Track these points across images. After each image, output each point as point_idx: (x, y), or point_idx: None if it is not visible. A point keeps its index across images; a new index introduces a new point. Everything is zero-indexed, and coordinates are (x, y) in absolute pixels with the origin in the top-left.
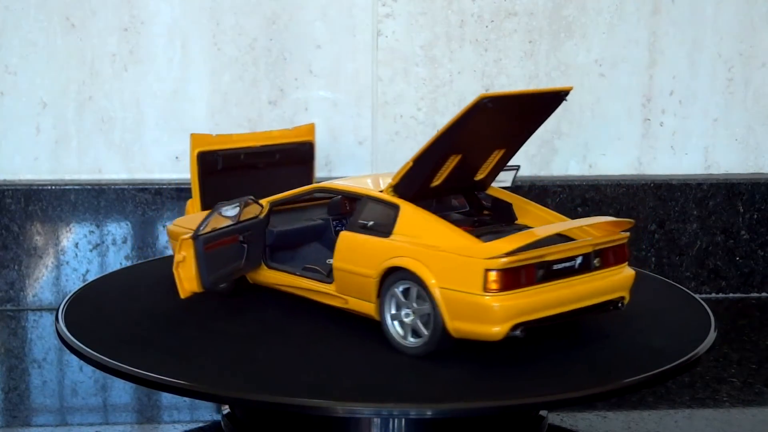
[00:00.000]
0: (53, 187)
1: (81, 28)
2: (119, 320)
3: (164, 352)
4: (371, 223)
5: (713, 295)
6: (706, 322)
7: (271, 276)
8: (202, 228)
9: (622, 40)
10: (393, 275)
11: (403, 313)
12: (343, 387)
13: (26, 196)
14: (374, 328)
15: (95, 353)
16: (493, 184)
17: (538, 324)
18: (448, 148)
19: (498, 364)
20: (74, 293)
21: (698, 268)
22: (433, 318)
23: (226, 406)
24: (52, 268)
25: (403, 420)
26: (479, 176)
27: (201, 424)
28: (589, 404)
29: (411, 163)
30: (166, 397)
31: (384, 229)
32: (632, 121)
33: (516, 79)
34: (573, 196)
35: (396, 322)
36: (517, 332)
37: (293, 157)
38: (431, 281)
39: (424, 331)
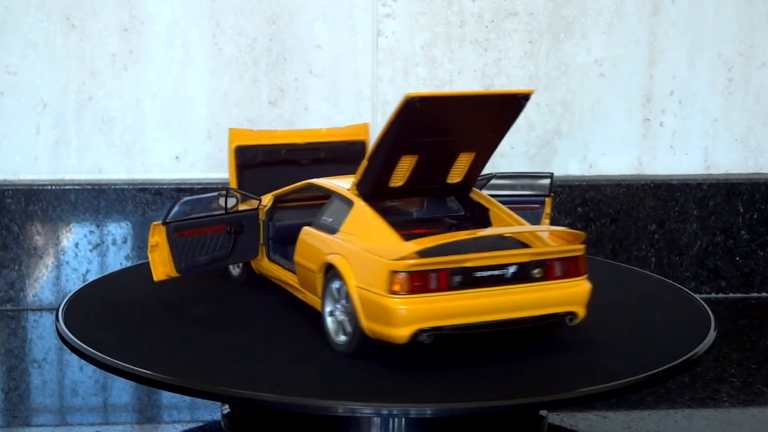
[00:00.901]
0: (53, 187)
1: (81, 28)
2: (119, 320)
3: (164, 351)
4: (330, 219)
5: (713, 295)
6: (706, 322)
7: (268, 268)
8: (170, 215)
9: (622, 40)
10: (330, 272)
11: (337, 310)
12: (343, 387)
13: (26, 196)
14: None
15: (95, 352)
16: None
17: (455, 331)
18: (394, 148)
19: (498, 365)
20: (74, 293)
21: (698, 268)
22: (353, 317)
23: (226, 406)
24: (52, 268)
25: (403, 420)
26: (453, 179)
27: (201, 424)
28: (589, 404)
29: (366, 162)
30: (166, 397)
31: (335, 226)
32: (632, 121)
33: (516, 79)
34: (573, 196)
35: (331, 319)
36: (423, 337)
37: (342, 156)
38: (351, 281)
39: (350, 330)
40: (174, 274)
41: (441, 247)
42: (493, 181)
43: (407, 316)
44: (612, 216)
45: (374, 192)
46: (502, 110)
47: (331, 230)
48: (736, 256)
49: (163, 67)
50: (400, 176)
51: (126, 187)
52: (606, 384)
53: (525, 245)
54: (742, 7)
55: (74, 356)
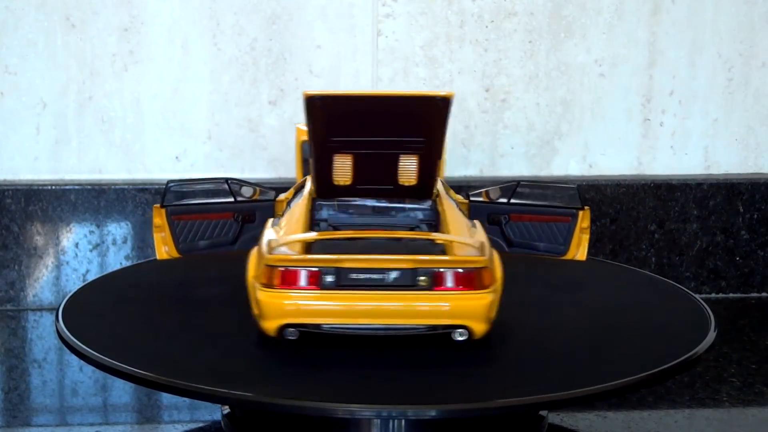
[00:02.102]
0: (53, 187)
1: (81, 28)
2: (119, 320)
3: (164, 351)
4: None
5: (713, 295)
6: (706, 322)
7: None
8: (165, 199)
9: (622, 40)
10: None
11: None
12: (343, 387)
13: (26, 196)
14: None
15: (95, 353)
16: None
17: (325, 332)
18: (319, 147)
19: (498, 365)
20: (74, 293)
21: (698, 268)
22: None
23: (227, 407)
24: (52, 268)
25: (403, 420)
26: (405, 182)
27: (201, 424)
28: (589, 404)
29: (310, 161)
30: (166, 397)
31: (280, 221)
32: (632, 121)
33: (516, 79)
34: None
35: None
36: (288, 333)
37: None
38: (250, 273)
39: None
40: (175, 254)
41: (327, 243)
42: (520, 190)
43: (274, 310)
44: (612, 216)
45: (322, 190)
46: (424, 113)
47: (276, 224)
48: (736, 256)
49: (163, 67)
50: (344, 175)
51: (126, 187)
52: (606, 384)
53: (440, 252)
54: (742, 7)
55: (74, 356)
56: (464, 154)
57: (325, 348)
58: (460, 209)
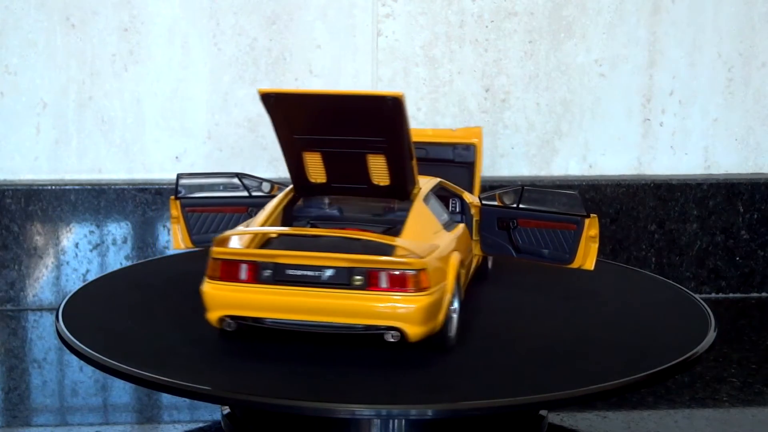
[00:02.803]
0: (53, 187)
1: (81, 28)
2: (119, 320)
3: (164, 352)
4: None
5: (713, 295)
6: (705, 322)
7: None
8: (178, 191)
9: (622, 40)
10: None
11: None
12: (344, 387)
13: (26, 196)
14: None
15: (95, 353)
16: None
17: (262, 325)
18: (285, 144)
19: (498, 365)
20: (74, 293)
21: (698, 268)
22: None
23: (227, 407)
24: (52, 268)
25: (403, 420)
26: (379, 181)
27: (201, 424)
28: (589, 404)
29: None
30: (166, 397)
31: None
32: (632, 121)
33: (516, 79)
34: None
35: None
36: (226, 324)
37: (448, 157)
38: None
39: None
40: (189, 245)
41: (281, 239)
42: (526, 195)
43: (212, 301)
44: (612, 216)
45: (298, 187)
46: (377, 112)
47: (249, 220)
48: (736, 256)
49: (163, 67)
50: (317, 173)
51: (126, 187)
52: (606, 384)
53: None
54: (742, 7)
55: (74, 356)
56: None
57: (325, 348)
58: (463, 211)
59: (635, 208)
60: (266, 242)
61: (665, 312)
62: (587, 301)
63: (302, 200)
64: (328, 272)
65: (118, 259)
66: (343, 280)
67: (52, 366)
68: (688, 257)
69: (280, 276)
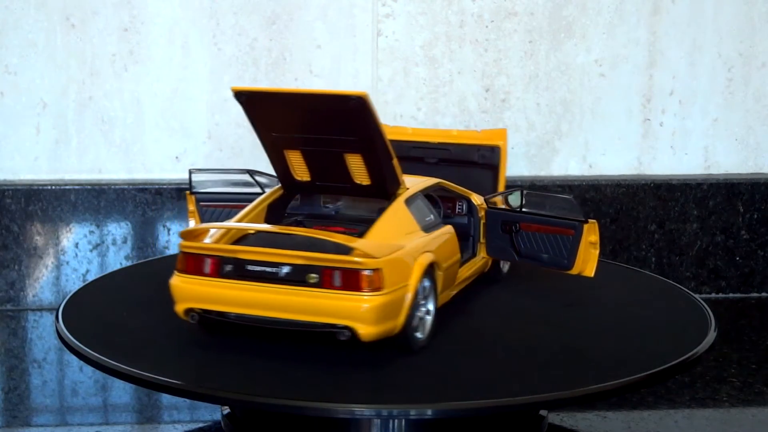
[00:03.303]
0: (53, 187)
1: (81, 28)
2: (119, 320)
3: (164, 352)
4: None
5: (713, 295)
6: (706, 322)
7: None
8: (193, 186)
9: (622, 40)
10: None
11: None
12: (344, 387)
13: (26, 196)
14: None
15: (95, 353)
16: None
17: (224, 319)
18: (264, 142)
19: (498, 364)
20: (74, 293)
21: (698, 268)
22: None
23: (226, 406)
24: (52, 268)
25: (403, 420)
26: (360, 181)
27: (201, 424)
28: (589, 404)
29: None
30: (166, 397)
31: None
32: (632, 121)
33: (516, 79)
34: (573, 196)
35: None
36: (191, 317)
37: (472, 158)
38: None
39: None
40: None
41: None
42: (526, 198)
43: (179, 293)
44: (612, 216)
45: (285, 185)
46: (343, 111)
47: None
48: (736, 256)
49: (163, 67)
50: (301, 171)
51: (126, 187)
52: (606, 384)
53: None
54: (742, 7)
55: (74, 356)
56: None
57: (325, 348)
58: (471, 213)
59: (635, 208)
60: (242, 238)
61: (665, 312)
62: (587, 301)
63: (300, 198)
64: (285, 269)
65: (118, 259)
66: (299, 277)
67: (52, 366)
68: (688, 257)
69: (240, 271)
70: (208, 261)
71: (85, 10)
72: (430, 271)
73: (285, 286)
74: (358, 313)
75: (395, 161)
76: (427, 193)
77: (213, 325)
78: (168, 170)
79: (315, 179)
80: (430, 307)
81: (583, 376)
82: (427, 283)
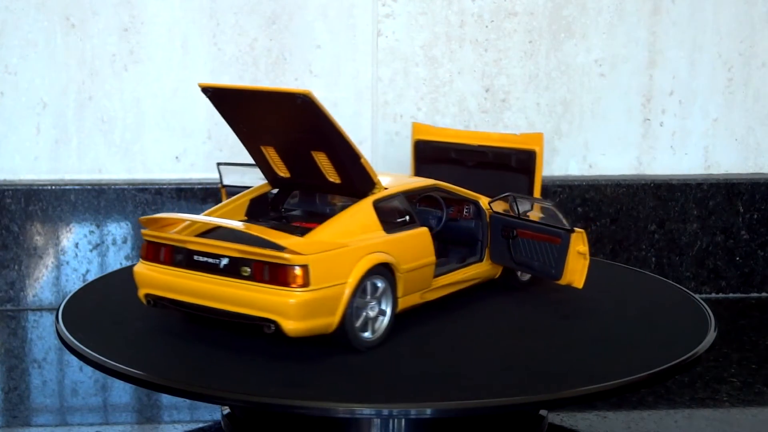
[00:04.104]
0: (53, 187)
1: (81, 28)
2: (119, 320)
3: (164, 352)
4: None
5: (713, 295)
6: (706, 322)
7: None
8: (222, 180)
9: (622, 40)
10: None
11: None
12: (344, 387)
13: (26, 196)
14: None
15: (95, 354)
16: None
17: (174, 306)
18: (240, 136)
19: (498, 364)
20: (74, 293)
21: (698, 268)
22: None
23: (226, 406)
24: (52, 268)
25: (403, 420)
26: (331, 179)
27: (201, 424)
28: (589, 404)
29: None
30: (166, 397)
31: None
32: (632, 121)
33: (516, 79)
34: (573, 196)
35: None
36: (149, 302)
37: (508, 163)
38: None
39: None
40: None
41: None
42: (519, 203)
43: (139, 279)
44: (612, 216)
45: (269, 180)
46: (294, 110)
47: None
48: (736, 256)
49: (163, 67)
50: (281, 168)
51: (126, 187)
52: (606, 384)
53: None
54: (742, 7)
55: (74, 357)
56: None
57: (325, 348)
58: (480, 216)
59: (635, 208)
60: (214, 229)
61: (665, 312)
62: (588, 301)
63: (299, 194)
64: (224, 261)
65: (118, 259)
66: (235, 270)
67: (52, 366)
68: (688, 257)
69: (188, 261)
70: (163, 250)
71: (85, 10)
72: (383, 271)
73: (223, 278)
74: (283, 307)
75: (364, 160)
76: (429, 195)
77: (213, 324)
78: (168, 170)
79: (294, 176)
80: (386, 308)
81: (583, 376)
82: (380, 284)
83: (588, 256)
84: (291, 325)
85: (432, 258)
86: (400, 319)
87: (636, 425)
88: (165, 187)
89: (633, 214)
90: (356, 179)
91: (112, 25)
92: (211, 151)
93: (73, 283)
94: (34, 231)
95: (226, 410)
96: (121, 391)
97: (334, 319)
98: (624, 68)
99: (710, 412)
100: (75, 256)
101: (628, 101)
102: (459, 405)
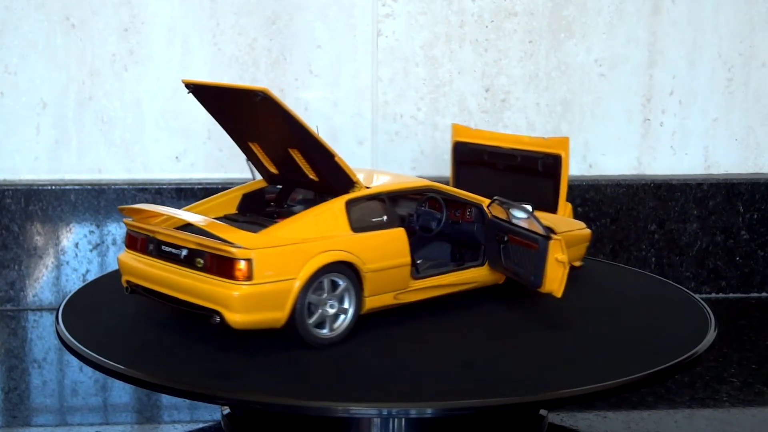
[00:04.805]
0: (53, 187)
1: (81, 28)
2: (119, 321)
3: (164, 353)
4: None
5: (713, 295)
6: (705, 322)
7: None
8: (254, 175)
9: (622, 40)
10: None
11: None
12: (343, 387)
13: (26, 196)
14: (374, 327)
15: (95, 354)
16: None
17: (147, 294)
18: (228, 132)
19: (498, 364)
20: (74, 293)
21: (698, 268)
22: None
23: (226, 406)
24: (52, 268)
25: (403, 420)
26: (311, 176)
27: (201, 425)
28: (589, 404)
29: None
30: (166, 397)
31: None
32: (632, 121)
33: (516, 79)
34: (573, 196)
35: None
36: (126, 288)
37: (534, 167)
38: None
39: None
40: None
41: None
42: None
43: (120, 266)
44: (612, 216)
45: (265, 176)
46: (255, 106)
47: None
48: (736, 256)
49: (163, 67)
50: (268, 163)
51: (126, 187)
52: (606, 384)
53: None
54: (742, 7)
55: (74, 357)
56: None
57: (325, 348)
58: (483, 220)
59: (635, 208)
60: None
61: (665, 312)
62: (587, 301)
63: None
64: (184, 252)
65: None
66: (191, 261)
67: (52, 366)
68: (688, 257)
69: (158, 251)
70: (140, 239)
71: (85, 10)
72: (343, 269)
73: (183, 268)
74: (228, 300)
75: (338, 158)
76: (431, 197)
77: (213, 326)
78: (168, 170)
79: (281, 173)
80: (348, 306)
81: (583, 376)
82: (341, 282)
83: (567, 265)
84: (235, 318)
85: (405, 259)
86: (400, 318)
87: (636, 425)
88: (165, 187)
89: (633, 214)
90: (331, 177)
91: (112, 25)
92: (211, 151)
93: (73, 283)
94: (34, 231)
95: (226, 410)
96: (121, 391)
97: (282, 314)
98: (624, 68)
99: (710, 412)
100: (75, 256)
101: (628, 101)
102: (459, 404)
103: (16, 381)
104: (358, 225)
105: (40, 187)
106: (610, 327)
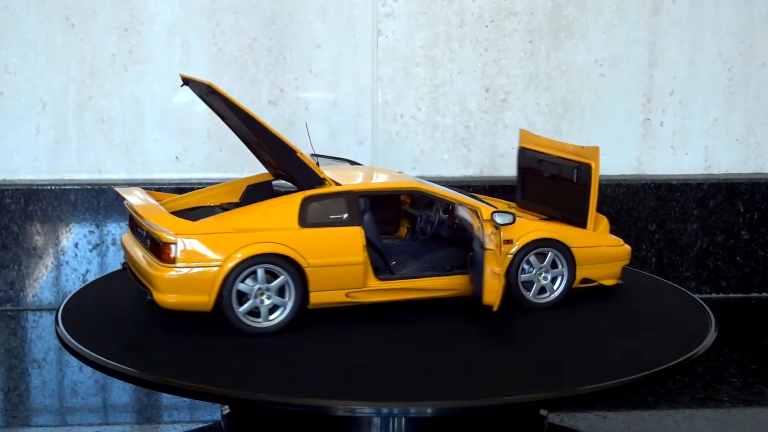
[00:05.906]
0: (53, 187)
1: (81, 28)
2: (119, 321)
3: (164, 352)
4: None
5: (713, 295)
6: (706, 322)
7: None
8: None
9: (622, 40)
10: None
11: None
12: (343, 386)
13: (26, 196)
14: (374, 327)
15: (95, 355)
16: None
17: (131, 273)
18: (229, 127)
19: (498, 363)
20: (74, 293)
21: (698, 268)
22: None
23: (227, 406)
24: (52, 268)
25: (403, 419)
26: (281, 171)
27: (201, 425)
28: (589, 404)
29: None
30: (166, 397)
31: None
32: (632, 121)
33: (516, 79)
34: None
35: None
36: (122, 266)
37: (569, 175)
38: None
39: None
40: None
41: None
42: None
43: (122, 245)
44: (612, 216)
45: (271, 170)
46: (212, 100)
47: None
48: (737, 256)
49: (163, 67)
50: (267, 159)
51: (126, 187)
52: (606, 384)
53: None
54: (742, 7)
55: (74, 357)
56: (464, 154)
57: (325, 347)
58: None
59: (635, 208)
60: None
61: (665, 312)
62: (587, 301)
63: None
64: (144, 234)
65: (118, 259)
66: (146, 243)
67: (52, 366)
68: (688, 257)
69: (138, 233)
70: (129, 221)
71: (85, 10)
72: (280, 262)
73: (143, 249)
74: (156, 281)
75: (300, 154)
76: (432, 199)
77: (213, 326)
78: (168, 170)
79: (277, 167)
80: (288, 298)
81: (583, 376)
82: (280, 274)
83: (503, 279)
84: (162, 297)
85: (357, 258)
86: (400, 318)
87: (636, 425)
88: (165, 187)
89: (633, 214)
90: (295, 173)
91: (112, 25)
92: (210, 151)
93: (73, 283)
94: (33, 231)
95: (226, 410)
96: (121, 391)
97: (209, 299)
98: (624, 68)
99: (710, 412)
100: (75, 256)
101: (628, 101)
102: (459, 404)
103: (16, 381)
104: (311, 221)
105: (40, 187)
106: (610, 327)
